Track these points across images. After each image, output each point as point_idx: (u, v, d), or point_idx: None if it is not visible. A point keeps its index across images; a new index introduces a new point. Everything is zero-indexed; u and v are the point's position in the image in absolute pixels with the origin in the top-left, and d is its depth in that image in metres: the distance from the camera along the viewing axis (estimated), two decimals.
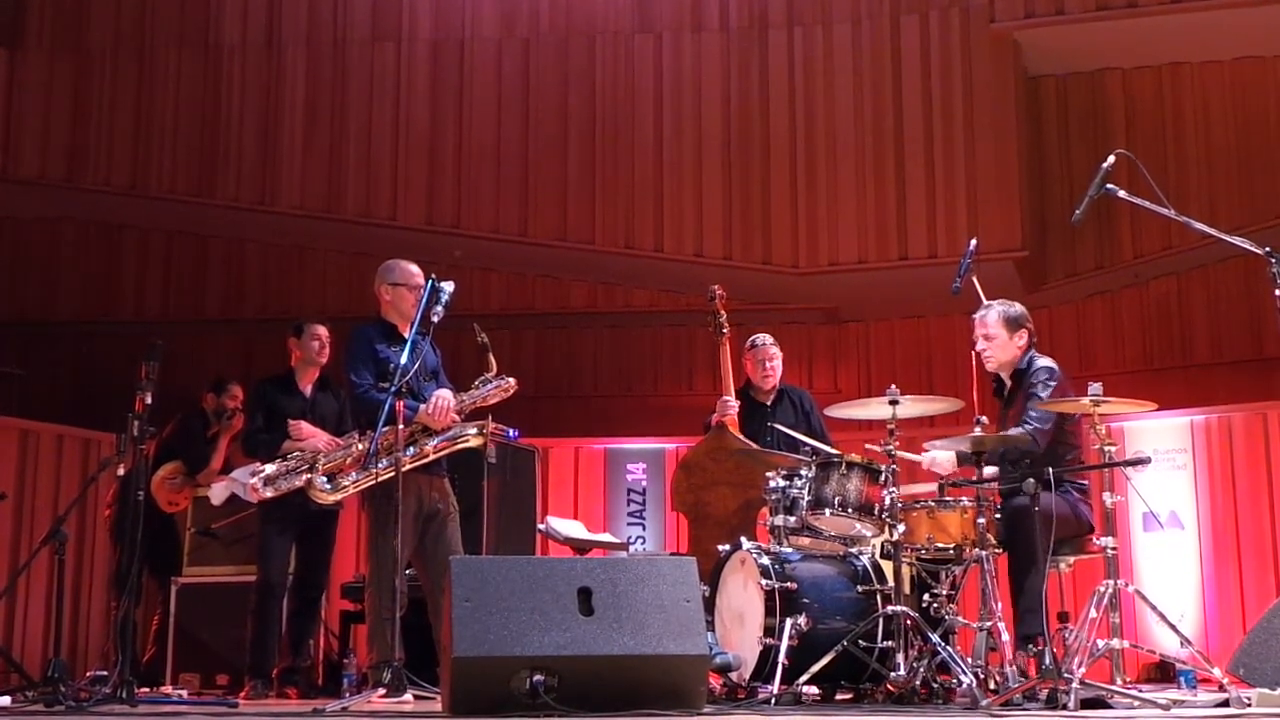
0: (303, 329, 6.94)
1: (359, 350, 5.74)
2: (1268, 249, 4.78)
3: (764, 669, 5.26)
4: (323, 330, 6.95)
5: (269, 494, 5.87)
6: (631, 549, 8.90)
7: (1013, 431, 5.43)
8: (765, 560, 5.43)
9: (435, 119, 10.18)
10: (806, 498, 5.54)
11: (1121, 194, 5.09)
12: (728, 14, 10.05)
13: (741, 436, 6.73)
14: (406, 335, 5.68)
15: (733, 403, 6.72)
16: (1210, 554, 8.59)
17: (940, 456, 5.61)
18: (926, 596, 5.32)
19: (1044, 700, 4.64)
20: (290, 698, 6.52)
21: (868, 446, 5.64)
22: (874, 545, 5.65)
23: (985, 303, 5.79)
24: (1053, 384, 5.50)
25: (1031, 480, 4.89)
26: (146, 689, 6.68)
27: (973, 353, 5.81)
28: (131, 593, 5.59)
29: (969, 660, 5.07)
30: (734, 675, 5.40)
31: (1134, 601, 5.77)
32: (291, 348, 6.93)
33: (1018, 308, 5.75)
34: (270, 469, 5.86)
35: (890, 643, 5.19)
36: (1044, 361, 5.63)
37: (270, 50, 10.34)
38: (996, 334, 5.69)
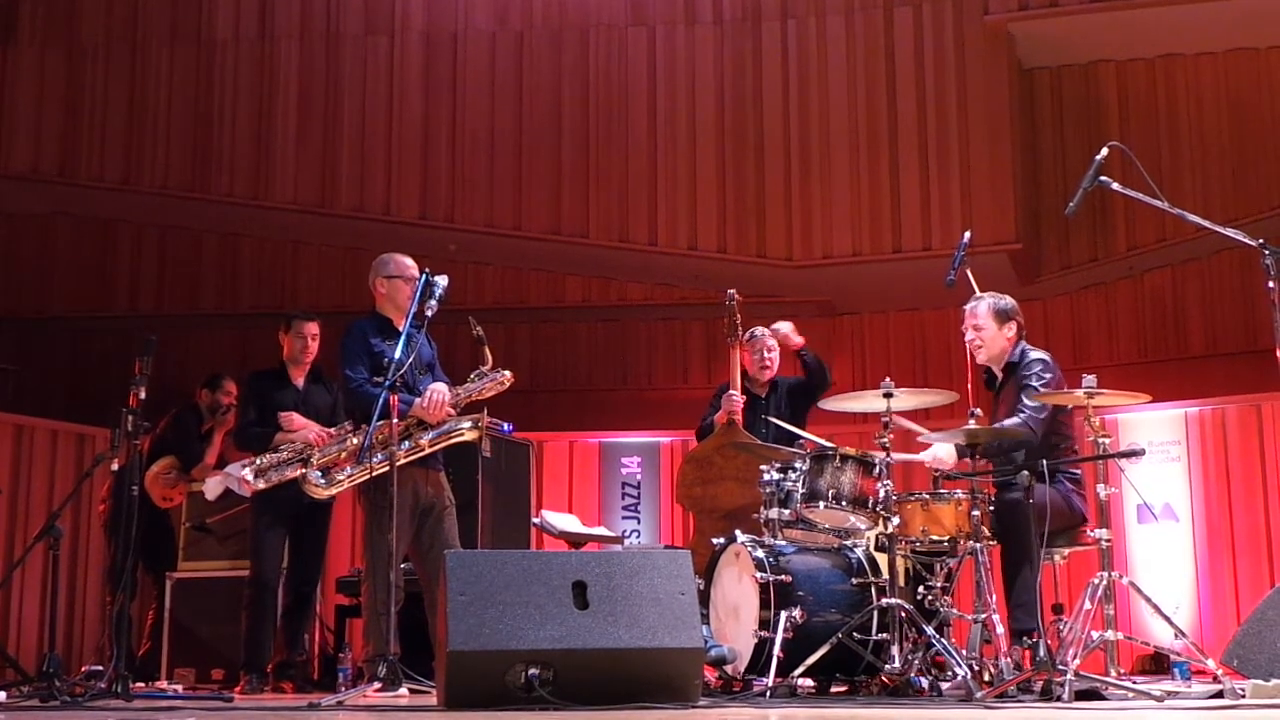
0: (291, 324, 6.91)
1: (354, 345, 5.73)
2: (1261, 241, 4.79)
3: (759, 662, 5.27)
4: (311, 327, 6.89)
5: (261, 485, 5.87)
6: (626, 542, 8.90)
7: (1008, 422, 5.43)
8: (760, 553, 5.43)
9: (429, 112, 10.17)
10: (801, 490, 5.54)
11: (1115, 186, 5.10)
12: (721, 7, 10.04)
13: (747, 433, 6.73)
14: (401, 329, 5.66)
15: (738, 397, 6.73)
16: (1204, 546, 8.61)
17: (941, 453, 5.61)
18: (921, 589, 5.34)
19: (1038, 692, 4.66)
20: (285, 692, 6.52)
21: (899, 418, 5.65)
22: (868, 538, 5.65)
23: (976, 294, 5.80)
24: (1047, 375, 5.51)
25: (1026, 473, 4.89)
26: (142, 684, 6.69)
27: (967, 344, 5.82)
28: (126, 588, 5.58)
29: (964, 652, 5.08)
30: (729, 668, 5.41)
31: (1128, 593, 5.79)
32: (282, 340, 6.92)
33: (1008, 300, 5.76)
34: (261, 460, 5.86)
35: (885, 635, 5.20)
36: (1037, 354, 5.64)
37: (263, 44, 10.32)
38: (986, 325, 5.69)
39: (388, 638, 5.27)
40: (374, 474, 5.45)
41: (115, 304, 10.66)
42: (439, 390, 5.62)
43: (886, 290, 10.15)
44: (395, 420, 5.31)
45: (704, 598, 5.57)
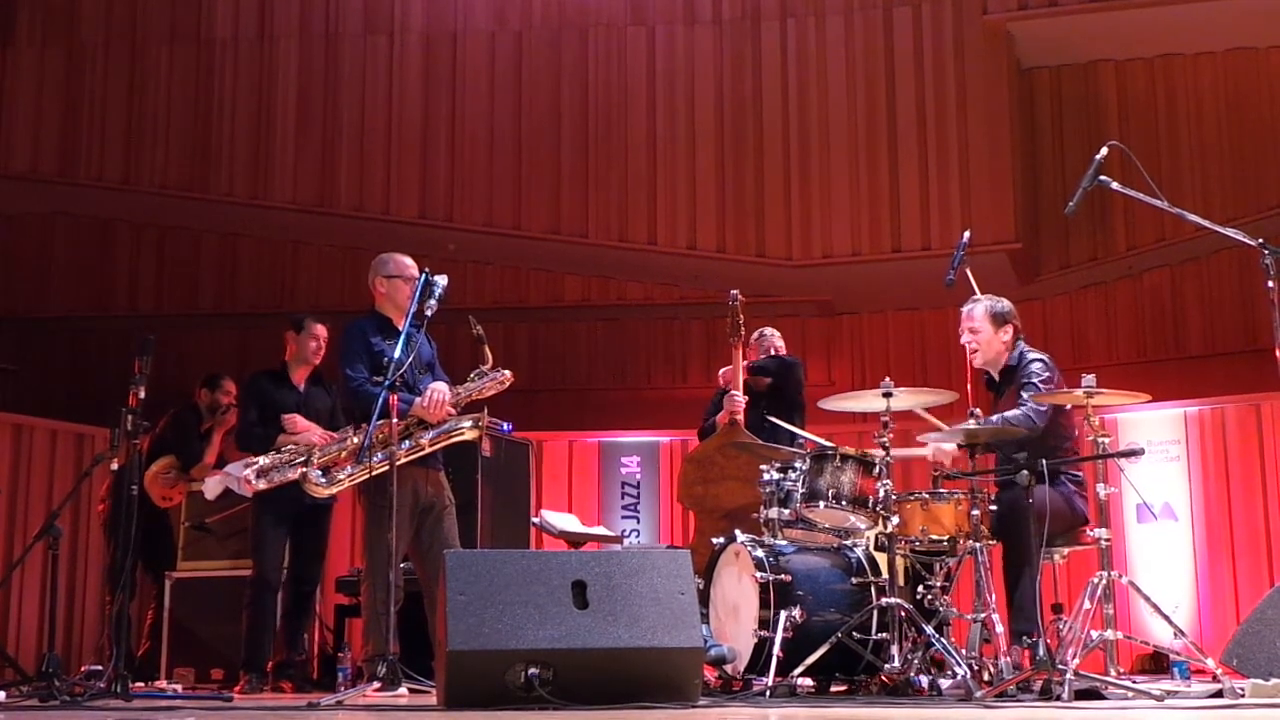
0: (303, 325, 6.91)
1: (353, 344, 5.73)
2: (1260, 240, 4.79)
3: (759, 661, 5.26)
4: (322, 330, 6.92)
5: (262, 486, 5.86)
6: (626, 542, 8.90)
7: (1009, 414, 5.41)
8: (759, 553, 5.43)
9: (428, 112, 10.17)
10: (800, 490, 5.54)
11: (1115, 186, 5.10)
12: (720, 6, 10.04)
13: (749, 433, 6.72)
14: (401, 328, 5.66)
15: (740, 397, 6.73)
16: (1204, 545, 8.61)
17: (945, 446, 5.60)
18: (921, 588, 5.34)
19: (1038, 692, 4.65)
20: (285, 692, 6.52)
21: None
22: (868, 537, 5.65)
23: (974, 297, 5.79)
24: (1046, 374, 5.51)
25: (1026, 473, 4.89)
26: (141, 684, 6.68)
27: (964, 346, 5.81)
28: (126, 587, 5.58)
29: (963, 652, 5.08)
30: (729, 668, 5.41)
31: (1128, 593, 5.79)
32: (288, 341, 6.92)
33: (1004, 303, 5.74)
34: (264, 461, 5.86)
35: (884, 635, 5.19)
36: (1035, 355, 5.62)
37: (262, 44, 10.33)
38: (982, 329, 5.67)
39: (387, 637, 5.27)
40: (374, 473, 5.45)
41: (114, 304, 10.67)
42: (439, 389, 5.62)
43: (886, 290, 10.15)
44: (395, 420, 5.31)
45: (704, 597, 5.57)
